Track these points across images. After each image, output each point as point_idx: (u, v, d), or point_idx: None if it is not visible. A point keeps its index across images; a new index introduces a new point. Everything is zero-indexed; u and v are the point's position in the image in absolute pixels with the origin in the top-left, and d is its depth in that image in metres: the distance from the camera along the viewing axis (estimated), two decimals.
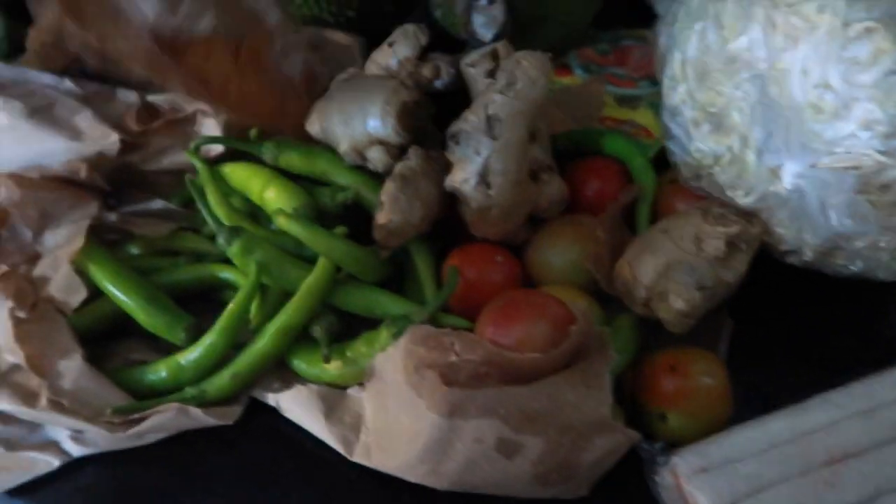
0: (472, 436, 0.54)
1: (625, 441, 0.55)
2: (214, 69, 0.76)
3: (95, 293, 0.68)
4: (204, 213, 0.68)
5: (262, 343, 0.64)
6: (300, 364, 0.66)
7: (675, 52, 0.69)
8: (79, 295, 0.67)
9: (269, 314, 0.66)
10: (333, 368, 0.64)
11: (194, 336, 0.66)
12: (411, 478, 0.58)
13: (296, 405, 0.63)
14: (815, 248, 0.64)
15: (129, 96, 0.79)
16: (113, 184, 0.76)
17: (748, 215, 0.64)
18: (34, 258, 0.70)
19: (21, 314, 0.65)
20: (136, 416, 0.62)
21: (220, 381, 0.64)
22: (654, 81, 0.87)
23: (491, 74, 0.69)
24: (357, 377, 0.63)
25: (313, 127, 0.74)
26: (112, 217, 0.75)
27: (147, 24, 0.74)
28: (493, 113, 0.65)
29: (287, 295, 0.66)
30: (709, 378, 0.60)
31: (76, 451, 0.62)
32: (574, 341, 0.55)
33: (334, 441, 0.61)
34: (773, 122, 0.61)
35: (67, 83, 0.78)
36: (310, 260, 0.67)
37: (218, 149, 0.77)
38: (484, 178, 0.66)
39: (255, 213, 0.74)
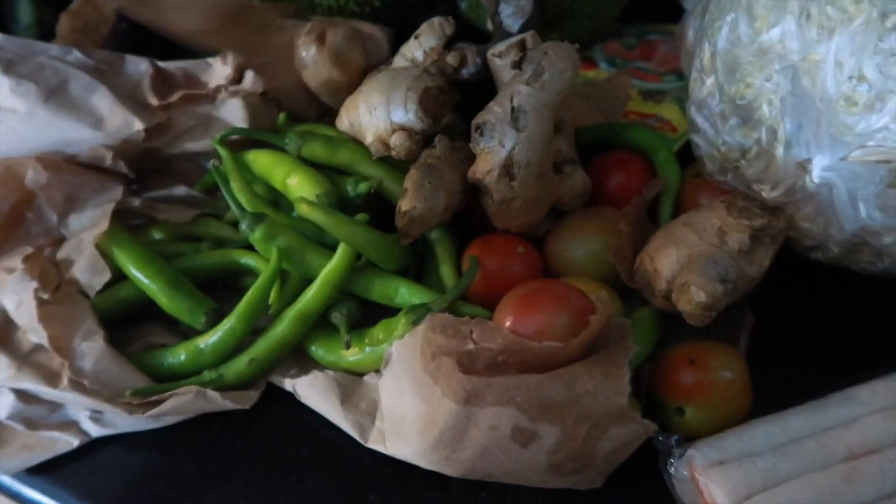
0: (487, 423, 0.54)
1: (641, 432, 0.55)
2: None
3: (118, 277, 0.69)
4: (228, 199, 0.68)
5: (281, 329, 0.64)
6: (318, 350, 0.66)
7: (704, 45, 0.68)
8: (102, 278, 0.67)
9: (288, 300, 0.66)
10: (351, 355, 0.64)
11: (215, 321, 0.66)
12: (425, 464, 0.58)
13: (312, 391, 0.63)
14: (840, 244, 0.63)
15: (140, 64, 0.78)
16: (136, 169, 0.76)
17: (773, 209, 0.63)
18: (59, 241, 0.71)
19: (45, 295, 0.66)
20: (155, 398, 0.62)
21: (239, 365, 0.64)
22: (680, 76, 0.87)
23: (517, 65, 0.68)
24: (374, 364, 0.64)
25: (342, 123, 0.74)
26: (136, 202, 0.76)
27: None
28: (518, 104, 0.64)
29: (307, 282, 0.66)
30: (728, 372, 0.60)
31: (95, 431, 0.63)
32: (593, 331, 0.55)
33: (350, 427, 0.61)
34: (804, 114, 0.60)
35: (76, 53, 0.76)
36: (331, 247, 0.67)
37: None
38: (508, 170, 0.65)
39: (278, 201, 0.74)
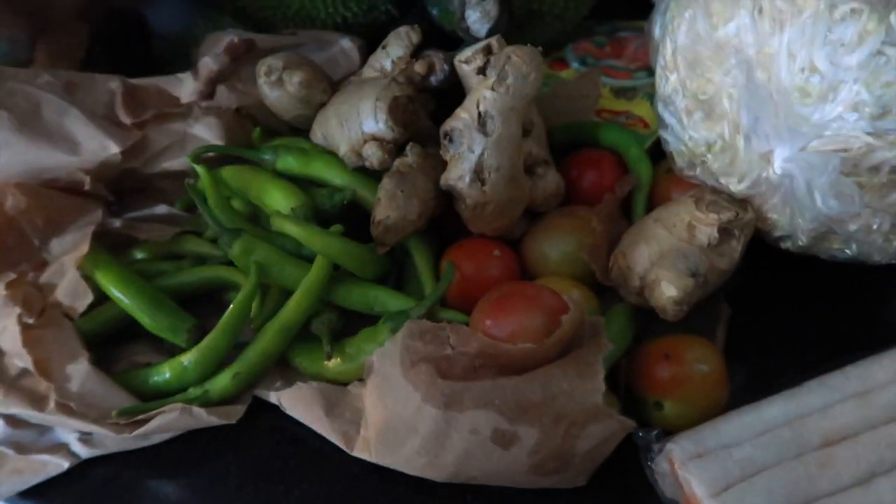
0: (468, 427, 0.55)
1: (619, 428, 0.56)
2: None
3: (101, 298, 0.69)
4: (205, 215, 0.69)
5: (263, 342, 0.65)
6: (301, 362, 0.67)
7: (666, 41, 0.69)
8: (85, 300, 0.68)
9: (269, 314, 0.67)
10: (333, 365, 0.65)
11: (197, 338, 0.67)
12: (410, 470, 0.58)
13: (297, 402, 0.64)
14: (808, 233, 0.64)
15: (110, 82, 0.78)
16: (116, 189, 0.77)
17: (741, 202, 0.64)
18: (41, 265, 0.71)
19: (29, 320, 0.66)
20: (142, 417, 0.63)
21: (223, 381, 0.65)
22: (650, 72, 0.87)
23: (483, 70, 0.69)
24: (357, 373, 0.64)
25: (316, 136, 0.75)
26: (117, 223, 0.76)
27: None
28: (484, 109, 0.65)
29: (288, 295, 0.67)
30: (703, 365, 0.60)
31: (85, 452, 0.63)
32: (566, 330, 0.56)
33: (335, 437, 0.62)
34: (762, 107, 0.61)
35: (45, 76, 0.76)
36: (309, 259, 0.68)
37: None
38: (478, 175, 0.66)
39: (255, 215, 0.75)
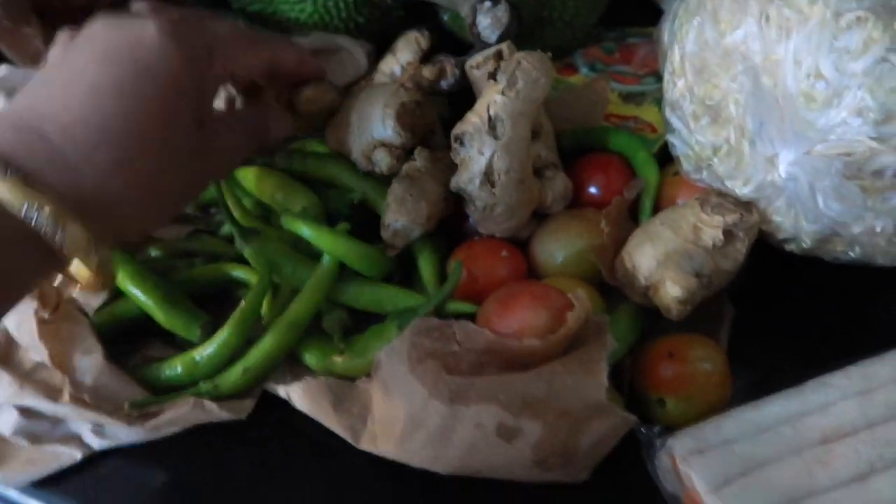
0: (473, 421, 0.56)
1: (621, 424, 0.57)
2: None
3: (116, 294, 0.71)
4: (224, 215, 0.70)
5: (272, 338, 0.66)
6: (310, 358, 0.68)
7: (675, 48, 0.70)
8: (100, 296, 0.69)
9: (280, 311, 0.68)
10: (342, 361, 0.66)
11: (209, 333, 0.68)
12: (416, 464, 0.59)
13: (305, 396, 0.65)
14: (812, 236, 0.64)
15: None
16: None
17: (746, 204, 0.65)
18: None
19: (45, 315, 0.68)
20: (153, 410, 0.64)
21: (233, 375, 0.66)
22: (659, 78, 0.87)
23: (494, 75, 0.71)
24: (365, 369, 0.65)
25: (331, 141, 0.76)
26: None
27: None
28: (495, 113, 0.66)
29: (298, 292, 0.68)
30: (707, 363, 0.61)
31: (97, 444, 0.64)
32: (571, 327, 0.57)
33: (342, 430, 0.63)
34: (767, 112, 0.62)
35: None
36: (320, 258, 0.69)
37: None
38: (488, 178, 0.67)
39: (268, 215, 0.76)
